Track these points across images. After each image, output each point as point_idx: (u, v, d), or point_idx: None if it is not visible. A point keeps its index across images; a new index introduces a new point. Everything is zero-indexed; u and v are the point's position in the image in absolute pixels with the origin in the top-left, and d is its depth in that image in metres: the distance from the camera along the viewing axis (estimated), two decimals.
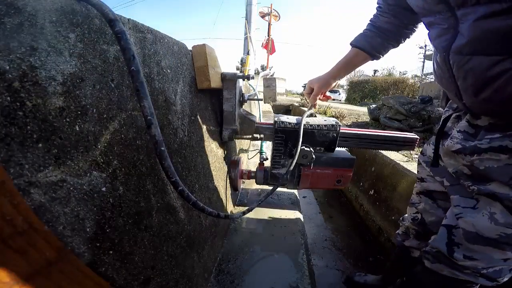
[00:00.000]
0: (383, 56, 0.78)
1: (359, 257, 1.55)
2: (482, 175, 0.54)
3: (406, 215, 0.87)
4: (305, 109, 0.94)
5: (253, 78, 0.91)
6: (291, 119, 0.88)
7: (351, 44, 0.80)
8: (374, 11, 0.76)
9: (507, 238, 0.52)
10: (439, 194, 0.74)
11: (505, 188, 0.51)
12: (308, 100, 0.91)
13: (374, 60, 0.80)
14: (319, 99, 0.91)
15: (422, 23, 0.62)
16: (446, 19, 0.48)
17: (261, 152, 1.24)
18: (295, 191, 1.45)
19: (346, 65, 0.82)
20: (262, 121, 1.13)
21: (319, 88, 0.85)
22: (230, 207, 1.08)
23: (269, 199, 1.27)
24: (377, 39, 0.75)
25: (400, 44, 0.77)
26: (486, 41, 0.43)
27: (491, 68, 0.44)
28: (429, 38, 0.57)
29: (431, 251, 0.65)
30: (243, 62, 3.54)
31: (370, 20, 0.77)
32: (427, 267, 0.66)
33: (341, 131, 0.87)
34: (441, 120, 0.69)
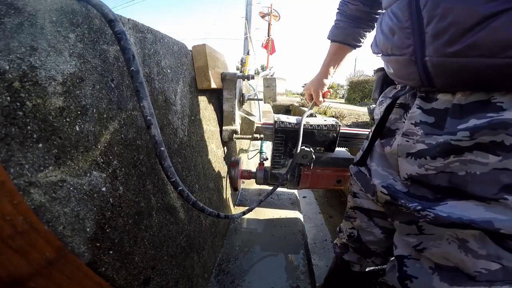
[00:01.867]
0: (363, 43, 0.78)
1: None
2: (447, 188, 0.39)
3: (342, 225, 0.76)
4: (305, 109, 0.94)
5: (253, 78, 0.91)
6: (291, 119, 0.89)
7: (328, 38, 0.79)
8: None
9: (489, 275, 0.36)
10: (375, 213, 0.61)
11: (481, 208, 0.35)
12: (310, 104, 0.91)
13: (357, 49, 0.79)
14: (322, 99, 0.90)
15: None
16: None
17: (261, 152, 1.24)
18: (295, 191, 1.45)
19: (333, 61, 0.81)
20: (262, 121, 1.13)
21: (316, 92, 0.85)
22: (230, 207, 1.08)
23: (269, 199, 1.27)
24: (353, 28, 0.74)
25: (374, 28, 0.76)
26: None
27: (488, 2, 0.31)
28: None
29: (386, 283, 0.52)
30: (243, 62, 3.54)
31: (338, 10, 0.76)
32: None
33: (341, 131, 0.87)
34: (381, 113, 0.53)
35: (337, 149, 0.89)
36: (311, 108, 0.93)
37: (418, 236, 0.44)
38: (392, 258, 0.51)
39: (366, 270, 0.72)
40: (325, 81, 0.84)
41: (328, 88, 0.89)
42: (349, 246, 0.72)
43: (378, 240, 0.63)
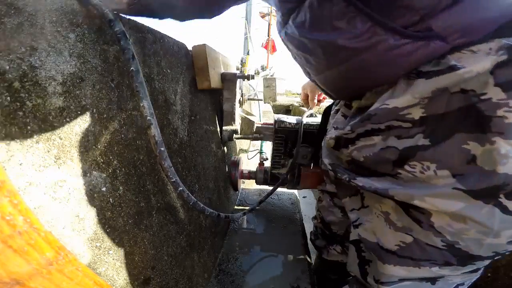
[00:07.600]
0: None
1: None
2: (364, 168, 0.45)
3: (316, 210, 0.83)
4: (305, 109, 0.94)
5: (253, 78, 0.91)
6: (291, 119, 0.88)
7: None
8: None
9: (407, 249, 0.39)
10: (334, 194, 0.71)
11: (388, 181, 0.40)
12: (305, 105, 0.90)
13: None
14: (318, 101, 0.90)
15: None
16: None
17: (261, 152, 1.24)
18: (295, 191, 1.45)
19: None
20: (262, 121, 1.13)
21: (312, 92, 0.85)
22: (230, 208, 1.08)
23: (269, 199, 1.27)
24: None
25: None
26: None
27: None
28: None
29: (351, 278, 0.53)
30: (243, 62, 3.54)
31: None
32: None
33: None
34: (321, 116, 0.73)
35: None
36: (311, 108, 0.93)
37: (358, 212, 0.48)
38: (349, 245, 0.54)
39: (332, 259, 0.77)
40: None
41: None
42: (318, 231, 0.80)
43: (338, 221, 0.71)
